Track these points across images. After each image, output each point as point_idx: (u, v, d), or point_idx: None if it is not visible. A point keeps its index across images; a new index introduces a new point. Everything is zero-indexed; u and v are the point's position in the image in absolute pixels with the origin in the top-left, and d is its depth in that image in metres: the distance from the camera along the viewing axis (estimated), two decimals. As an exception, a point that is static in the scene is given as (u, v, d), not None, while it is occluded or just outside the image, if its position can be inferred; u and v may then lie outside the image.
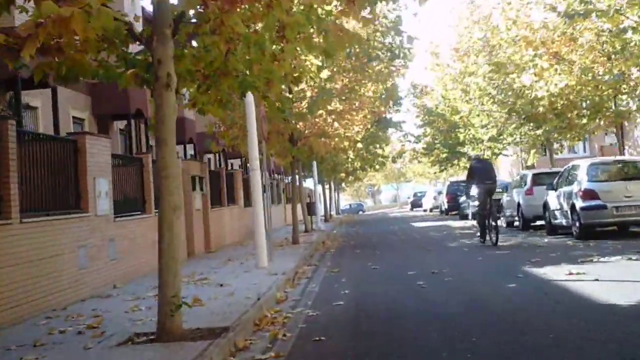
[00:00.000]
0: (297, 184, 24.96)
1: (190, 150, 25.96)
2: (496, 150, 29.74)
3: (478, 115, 28.19)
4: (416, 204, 63.62)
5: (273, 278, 11.14)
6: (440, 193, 42.16)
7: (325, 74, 17.58)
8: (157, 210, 8.42)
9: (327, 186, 51.09)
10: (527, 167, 40.28)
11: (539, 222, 19.87)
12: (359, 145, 21.30)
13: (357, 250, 17.80)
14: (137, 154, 16.86)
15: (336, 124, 19.84)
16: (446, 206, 38.89)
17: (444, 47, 39.82)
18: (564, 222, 16.46)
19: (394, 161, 41.13)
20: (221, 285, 10.41)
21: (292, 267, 13.36)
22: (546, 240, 15.94)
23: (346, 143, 22.13)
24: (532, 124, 23.56)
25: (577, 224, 15.24)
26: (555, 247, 14.13)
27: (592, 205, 14.94)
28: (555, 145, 27.65)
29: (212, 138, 21.73)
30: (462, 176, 56.52)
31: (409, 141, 41.34)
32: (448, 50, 39.20)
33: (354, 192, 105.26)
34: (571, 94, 18.68)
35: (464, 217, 31.57)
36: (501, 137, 27.88)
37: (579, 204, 15.08)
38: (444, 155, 41.59)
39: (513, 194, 21.35)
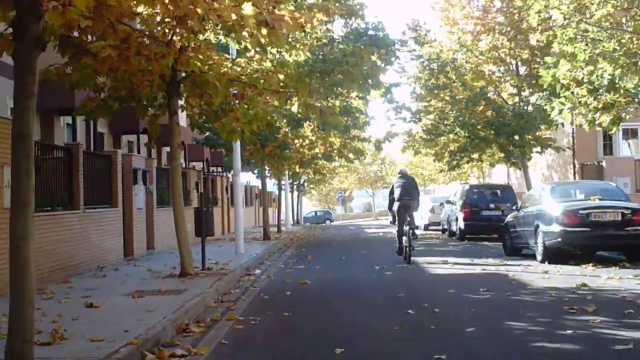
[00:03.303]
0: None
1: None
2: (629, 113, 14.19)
3: (571, 41, 13.06)
4: (399, 216, 48.30)
5: None
6: (447, 204, 26.98)
7: None
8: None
9: (281, 186, 35.84)
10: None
11: None
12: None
13: None
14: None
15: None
16: (462, 225, 23.69)
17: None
18: None
19: (377, 148, 25.71)
20: None
21: None
22: None
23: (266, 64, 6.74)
24: None
25: None
26: None
27: None
28: None
29: None
30: (494, 177, 40.90)
31: (403, 119, 26.15)
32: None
33: (322, 197, 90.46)
34: None
35: (516, 250, 16.44)
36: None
37: None
38: (457, 145, 26.44)
39: None
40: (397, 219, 15.28)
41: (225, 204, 30.26)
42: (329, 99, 11.63)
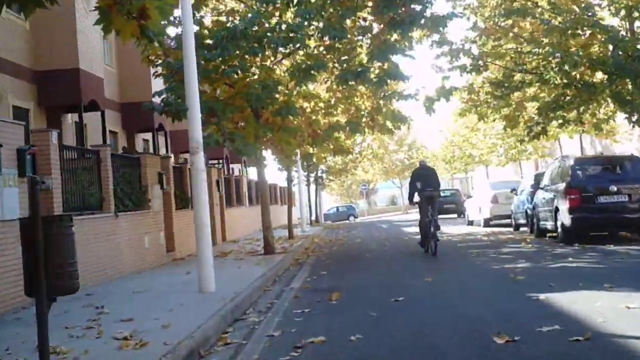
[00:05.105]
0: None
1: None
2: None
3: None
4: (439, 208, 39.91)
5: None
6: (535, 189, 18.62)
7: None
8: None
9: (291, 178, 27.92)
10: None
11: None
12: None
13: None
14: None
15: None
16: (567, 221, 15.27)
17: None
18: None
19: (428, 109, 17.27)
20: None
21: None
22: None
23: None
24: None
25: None
26: None
27: None
28: None
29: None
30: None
31: (461, 68, 17.73)
32: None
33: (344, 191, 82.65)
34: None
35: None
36: None
37: None
38: (538, 102, 18.07)
39: None
40: (420, 211, 15.28)
41: (219, 203, 22.15)
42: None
